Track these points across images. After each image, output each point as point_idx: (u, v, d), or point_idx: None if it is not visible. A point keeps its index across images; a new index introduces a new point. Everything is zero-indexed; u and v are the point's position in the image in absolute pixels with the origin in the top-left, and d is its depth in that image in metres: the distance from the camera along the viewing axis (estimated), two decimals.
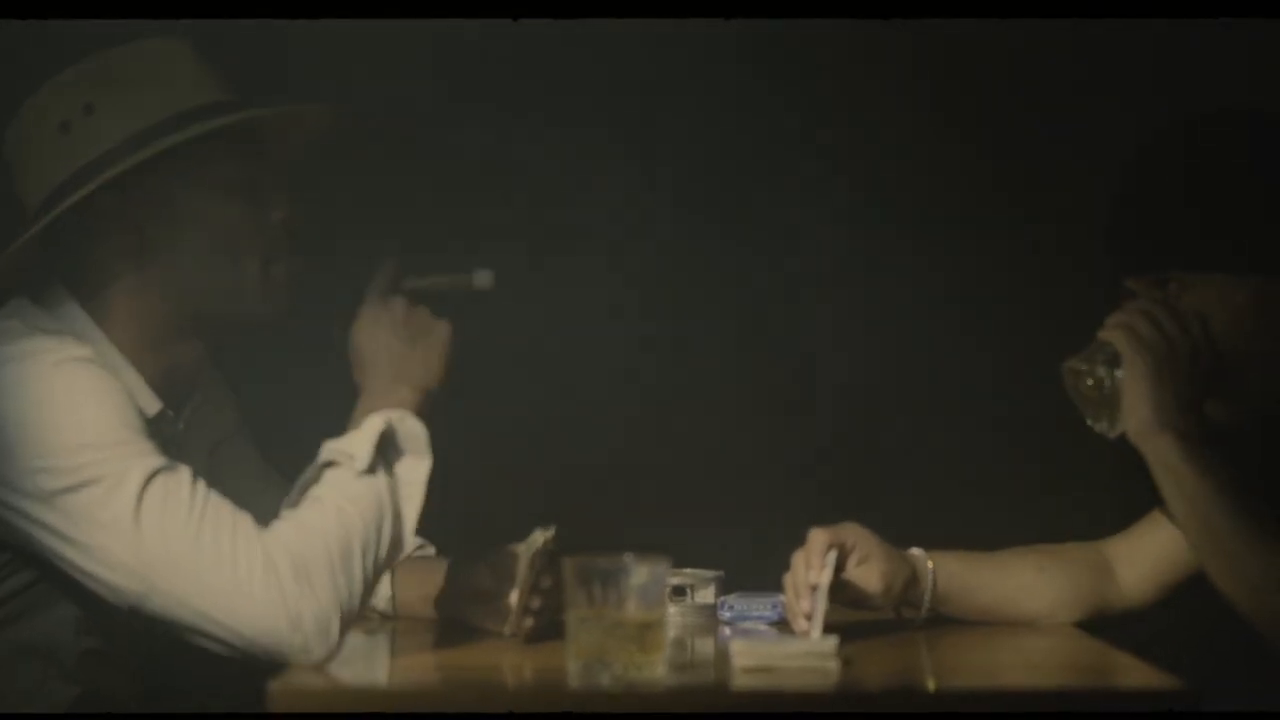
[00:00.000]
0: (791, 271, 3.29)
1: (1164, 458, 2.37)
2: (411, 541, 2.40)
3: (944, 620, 2.56)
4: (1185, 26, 3.05)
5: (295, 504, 2.30)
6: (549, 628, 2.38)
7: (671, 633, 2.30)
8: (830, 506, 2.54)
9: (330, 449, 2.32)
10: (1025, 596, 2.59)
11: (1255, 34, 3.04)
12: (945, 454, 3.27)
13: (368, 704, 2.12)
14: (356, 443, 2.31)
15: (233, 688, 2.32)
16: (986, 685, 2.25)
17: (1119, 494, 2.62)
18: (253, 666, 2.22)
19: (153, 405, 2.43)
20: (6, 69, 2.66)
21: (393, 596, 2.61)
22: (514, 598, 2.40)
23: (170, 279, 2.43)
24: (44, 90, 2.45)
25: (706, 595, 2.60)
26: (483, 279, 2.49)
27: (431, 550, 2.71)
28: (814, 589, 2.41)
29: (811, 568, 2.43)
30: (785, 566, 2.46)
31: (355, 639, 2.40)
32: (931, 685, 2.29)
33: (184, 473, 2.27)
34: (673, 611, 2.52)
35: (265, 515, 2.29)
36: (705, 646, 2.44)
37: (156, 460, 2.26)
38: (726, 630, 2.53)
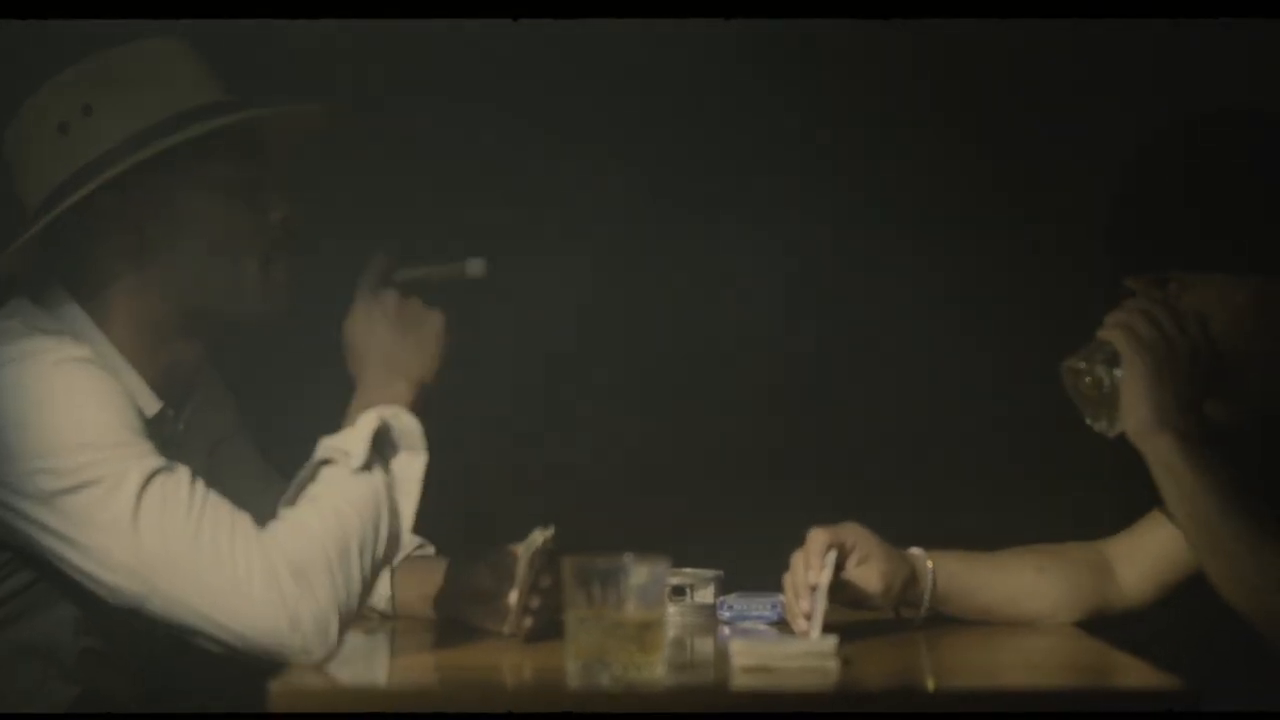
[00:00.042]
0: (791, 271, 3.29)
1: (1163, 457, 2.37)
2: (409, 538, 2.40)
3: (944, 620, 2.56)
4: (1185, 26, 3.05)
5: (292, 502, 2.30)
6: (548, 628, 2.38)
7: (671, 633, 2.30)
8: (830, 506, 2.54)
9: (326, 446, 2.32)
10: (1025, 596, 2.59)
11: (1255, 34, 3.04)
12: (945, 454, 3.28)
13: (368, 704, 2.12)
14: (352, 440, 2.31)
15: (233, 688, 2.32)
16: (986, 685, 2.25)
17: (1119, 494, 2.62)
18: (253, 667, 2.22)
19: (152, 405, 2.43)
20: (6, 69, 2.66)
21: (392, 596, 2.61)
22: (513, 597, 2.40)
23: (170, 279, 2.43)
24: (44, 90, 2.45)
25: (706, 595, 2.60)
26: (475, 268, 2.48)
27: (431, 550, 2.71)
28: (813, 589, 2.41)
29: (811, 568, 2.42)
30: (785, 566, 2.46)
31: (355, 639, 2.40)
32: (931, 685, 2.29)
33: (183, 473, 2.27)
34: (672, 611, 2.52)
35: (265, 515, 2.29)
36: (705, 646, 2.44)
37: (155, 461, 2.26)
38: (726, 630, 2.53)
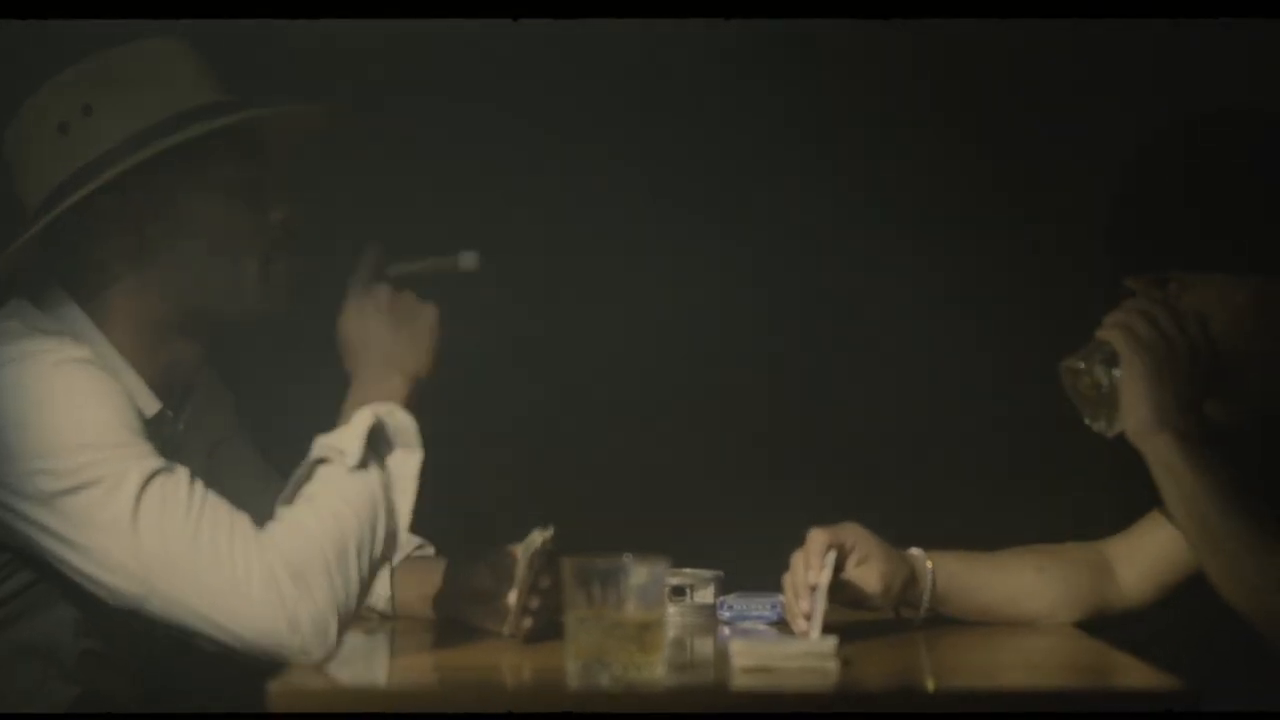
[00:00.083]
0: (791, 271, 3.29)
1: (1163, 457, 2.37)
2: (406, 536, 2.40)
3: (944, 620, 2.56)
4: (1185, 26, 3.05)
5: (289, 501, 2.30)
6: (548, 628, 2.38)
7: (671, 633, 2.30)
8: (830, 506, 2.54)
9: (321, 445, 2.32)
10: (1025, 596, 2.59)
11: (1255, 34, 3.04)
12: (945, 454, 3.28)
13: (367, 704, 2.12)
14: (347, 438, 2.31)
15: (233, 688, 2.32)
16: (986, 685, 2.25)
17: (1119, 494, 2.62)
18: (253, 667, 2.22)
19: (152, 406, 2.43)
20: (6, 69, 2.65)
21: (392, 597, 2.61)
22: (513, 598, 2.40)
23: (170, 279, 2.43)
24: (44, 90, 2.45)
25: (706, 595, 2.60)
26: (468, 260, 2.48)
27: (431, 550, 2.71)
28: (813, 589, 2.41)
29: (811, 568, 2.42)
30: (785, 566, 2.46)
31: (355, 639, 2.40)
32: (931, 685, 2.29)
33: (182, 474, 2.27)
34: (672, 611, 2.52)
35: (264, 515, 2.29)
36: (705, 646, 2.44)
37: (155, 462, 2.26)
38: (726, 630, 2.53)
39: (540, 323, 3.27)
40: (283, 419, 2.64)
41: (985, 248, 3.27)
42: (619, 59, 3.23)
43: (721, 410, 3.30)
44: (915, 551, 2.54)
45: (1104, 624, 2.59)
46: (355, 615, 2.29)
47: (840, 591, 2.45)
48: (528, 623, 2.41)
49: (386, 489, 2.32)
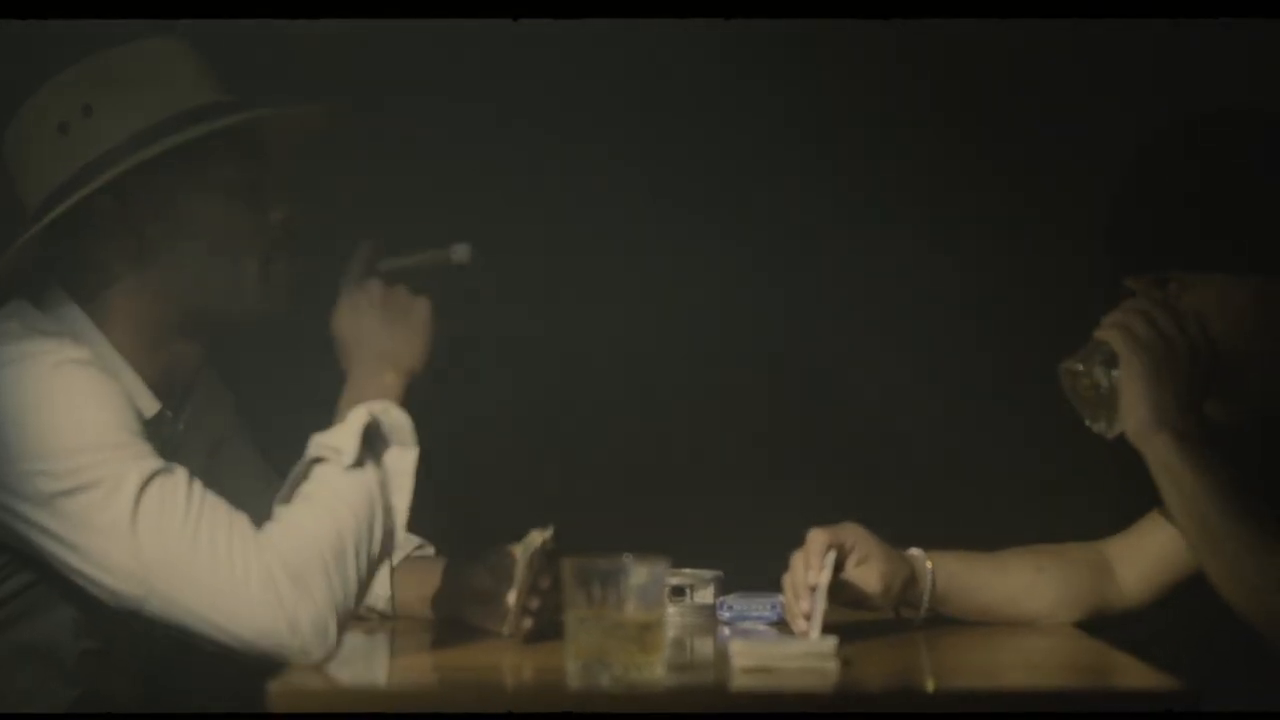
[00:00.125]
0: (791, 271, 3.29)
1: (1162, 458, 2.37)
2: (404, 533, 2.40)
3: (944, 620, 2.56)
4: (1185, 26, 3.05)
5: (287, 500, 2.30)
6: (548, 628, 2.38)
7: (671, 633, 2.30)
8: (830, 506, 2.54)
9: (317, 444, 2.31)
10: (1025, 596, 2.59)
11: (1255, 34, 3.04)
12: (945, 454, 3.28)
13: (367, 704, 2.12)
14: (342, 437, 2.31)
15: (233, 688, 2.32)
16: (986, 685, 2.25)
17: (1119, 494, 2.62)
18: (253, 667, 2.22)
19: (151, 406, 2.43)
20: (6, 69, 2.65)
21: (392, 597, 2.61)
22: (512, 598, 2.40)
23: (170, 279, 2.43)
24: (44, 90, 2.45)
25: (706, 595, 2.60)
26: (460, 253, 2.48)
27: (431, 550, 2.71)
28: (813, 589, 2.41)
29: (811, 568, 2.42)
30: (785, 566, 2.46)
31: (355, 639, 2.40)
32: (931, 685, 2.29)
33: (181, 475, 2.27)
34: (672, 612, 2.52)
35: (265, 515, 2.29)
36: (705, 647, 2.44)
37: (154, 463, 2.26)
38: (726, 630, 2.53)
39: (540, 322, 3.27)
40: (283, 419, 2.64)
41: (985, 247, 3.27)
42: (619, 59, 3.23)
43: (721, 410, 3.30)
44: (915, 551, 2.54)
45: (1104, 624, 2.59)
46: (354, 614, 2.29)
47: (840, 592, 2.45)
48: (527, 623, 2.41)
49: (383, 487, 2.32)
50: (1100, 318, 2.45)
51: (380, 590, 2.60)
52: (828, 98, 3.27)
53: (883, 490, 3.21)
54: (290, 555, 2.23)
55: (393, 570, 2.59)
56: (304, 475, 2.31)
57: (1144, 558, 2.61)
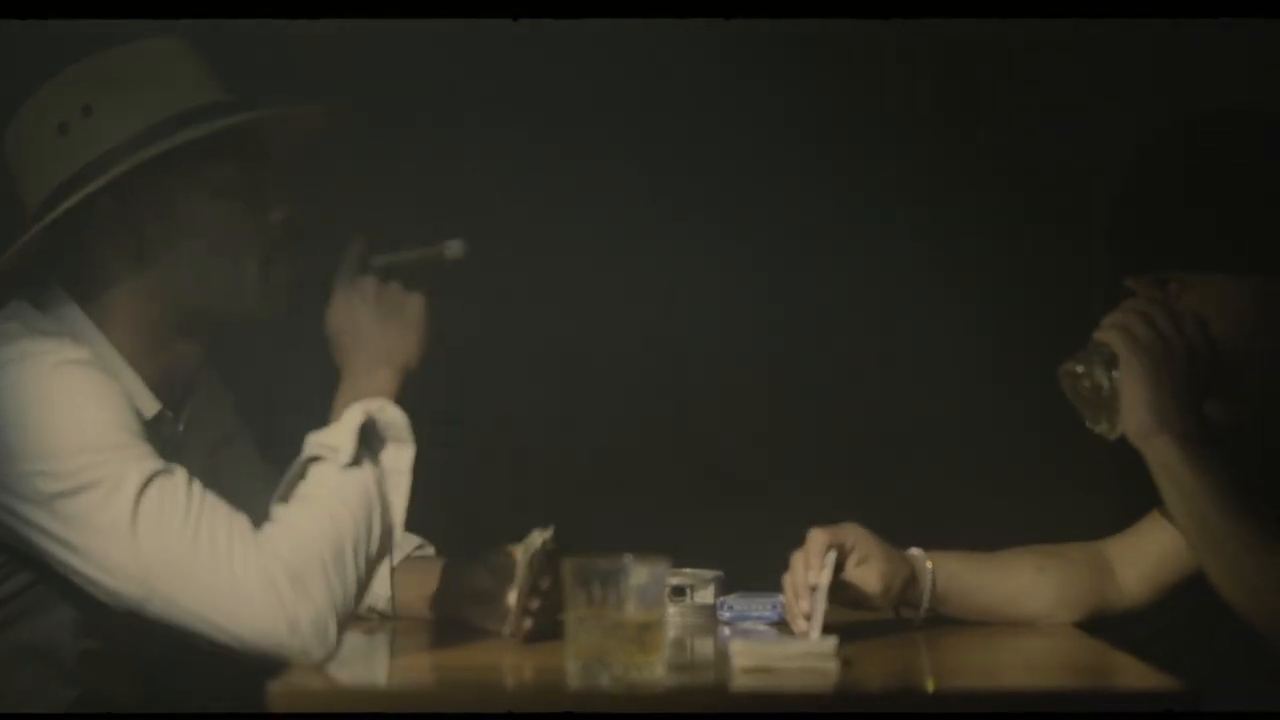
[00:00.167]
0: (791, 271, 3.29)
1: (1162, 458, 2.37)
2: (402, 531, 2.39)
3: (944, 620, 2.56)
4: (1185, 26, 3.05)
5: (284, 500, 2.30)
6: (548, 628, 2.38)
7: (671, 633, 2.30)
8: (830, 506, 2.54)
9: (313, 443, 2.31)
10: (1025, 596, 2.59)
11: (1255, 34, 3.04)
12: (945, 454, 3.28)
13: (367, 704, 2.12)
14: (339, 435, 2.30)
15: (233, 688, 2.32)
16: (986, 685, 2.25)
17: (1119, 494, 2.62)
18: (253, 667, 2.22)
19: (152, 407, 2.43)
20: (6, 69, 2.65)
21: (392, 597, 2.61)
22: (512, 598, 2.40)
23: (170, 280, 2.43)
24: (44, 90, 2.45)
25: (706, 595, 2.60)
26: (454, 249, 2.47)
27: (431, 550, 2.71)
28: (813, 589, 2.41)
29: (811, 568, 2.42)
30: (785, 566, 2.46)
31: (355, 639, 2.40)
32: (931, 685, 2.29)
33: (181, 476, 2.27)
34: (672, 612, 2.52)
35: (265, 515, 2.29)
36: (705, 647, 2.44)
37: (154, 464, 2.26)
38: (726, 630, 2.53)
39: (540, 322, 3.27)
40: (283, 419, 2.64)
41: (985, 248, 3.27)
42: (619, 59, 3.23)
43: (721, 410, 3.30)
44: (915, 551, 2.54)
45: (1104, 624, 2.59)
46: (354, 612, 2.29)
47: (840, 592, 2.45)
48: (528, 623, 2.41)
49: (380, 485, 2.31)
50: (1100, 318, 2.45)
51: (380, 590, 2.60)
52: (828, 98, 3.27)
53: (883, 490, 3.22)
54: (289, 556, 2.23)
55: (393, 570, 2.59)
56: (301, 474, 2.30)
57: (1144, 558, 2.61)
